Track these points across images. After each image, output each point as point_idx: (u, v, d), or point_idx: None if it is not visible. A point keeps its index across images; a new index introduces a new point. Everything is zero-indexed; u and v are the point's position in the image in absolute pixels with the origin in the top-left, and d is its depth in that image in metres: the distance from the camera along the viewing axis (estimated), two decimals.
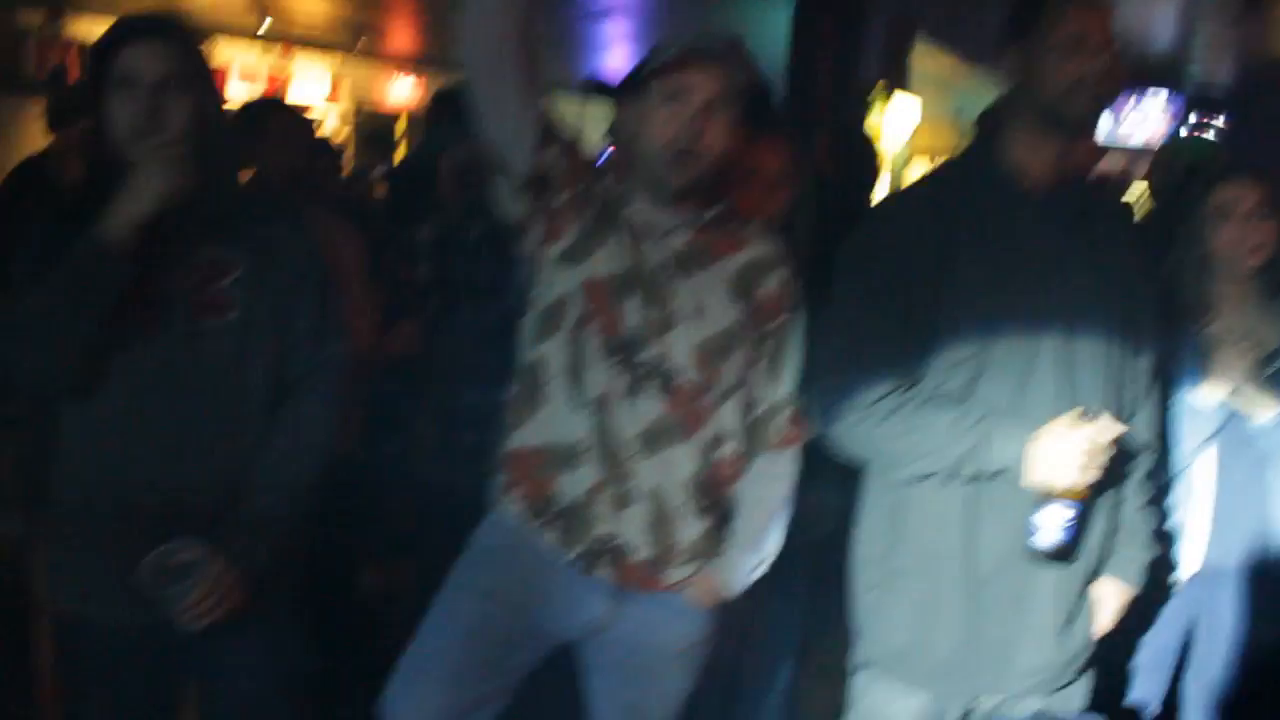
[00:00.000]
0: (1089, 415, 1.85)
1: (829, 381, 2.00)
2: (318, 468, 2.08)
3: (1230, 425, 2.54)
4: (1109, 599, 2.11)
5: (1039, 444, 1.86)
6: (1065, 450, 1.84)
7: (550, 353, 2.02)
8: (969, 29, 7.23)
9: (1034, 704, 2.07)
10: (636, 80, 1.99)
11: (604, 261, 2.00)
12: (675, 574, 2.08)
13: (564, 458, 2.02)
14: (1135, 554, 2.13)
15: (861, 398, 1.93)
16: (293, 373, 2.05)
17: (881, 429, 1.93)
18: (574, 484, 2.02)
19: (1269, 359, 2.56)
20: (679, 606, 2.09)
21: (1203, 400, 2.54)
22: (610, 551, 2.04)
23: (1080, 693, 2.14)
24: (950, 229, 1.95)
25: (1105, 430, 1.84)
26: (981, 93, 4.26)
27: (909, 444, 1.93)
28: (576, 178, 2.02)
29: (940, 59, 8.52)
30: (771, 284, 2.09)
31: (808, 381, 2.08)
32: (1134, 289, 2.04)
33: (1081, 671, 2.10)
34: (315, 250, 2.13)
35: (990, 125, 2.11)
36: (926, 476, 1.95)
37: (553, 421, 2.03)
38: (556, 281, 2.02)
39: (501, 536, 2.10)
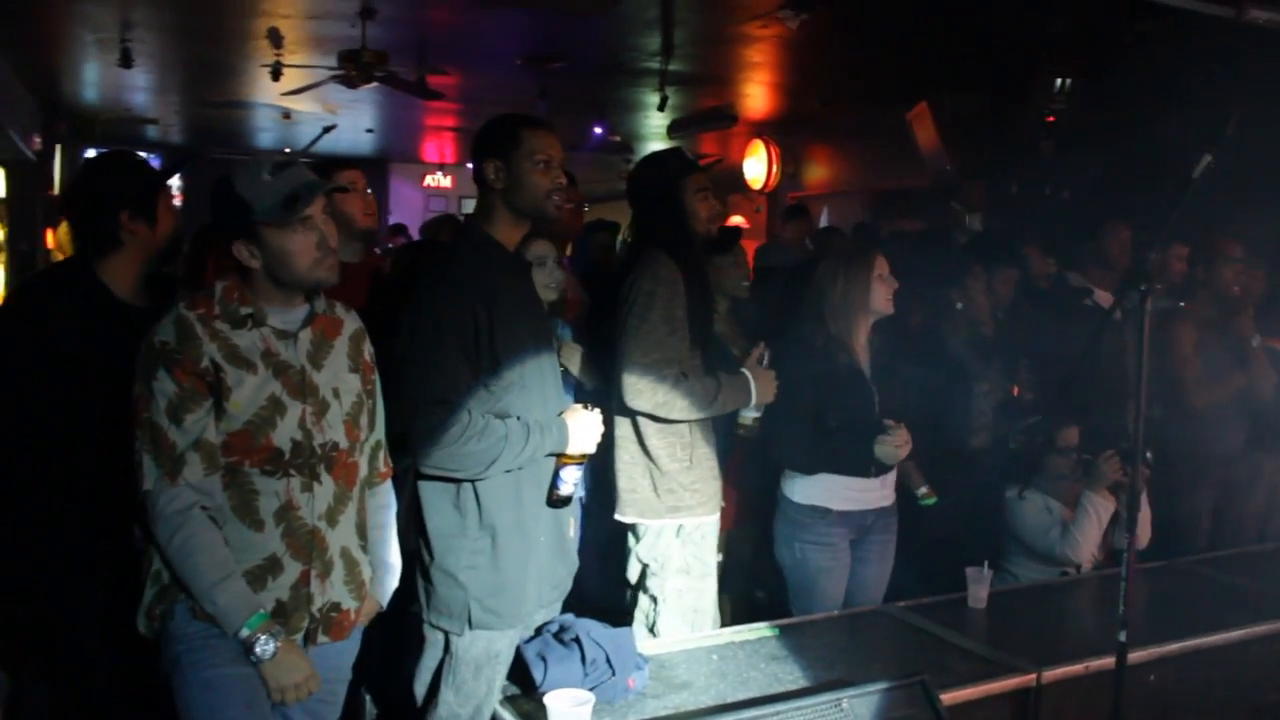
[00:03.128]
0: (589, 406, 2.88)
1: (426, 418, 2.63)
2: None
3: None
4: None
5: (574, 427, 2.81)
6: (588, 429, 2.84)
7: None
8: None
9: (554, 610, 2.99)
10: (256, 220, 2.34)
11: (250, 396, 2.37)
12: (360, 611, 2.57)
13: (265, 571, 2.38)
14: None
15: (453, 426, 2.63)
16: None
17: (468, 447, 2.64)
18: (280, 587, 2.39)
19: None
20: (355, 636, 2.61)
21: None
22: (325, 620, 2.45)
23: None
24: (487, 291, 2.71)
25: (599, 416, 2.88)
26: None
27: (493, 451, 2.67)
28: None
29: None
30: (367, 349, 2.61)
31: (409, 419, 2.67)
32: (546, 318, 3.14)
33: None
34: None
35: (480, 216, 2.89)
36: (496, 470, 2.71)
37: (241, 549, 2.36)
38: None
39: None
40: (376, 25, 7.40)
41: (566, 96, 9.45)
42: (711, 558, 3.62)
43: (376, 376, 2.67)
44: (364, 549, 2.59)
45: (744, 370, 3.53)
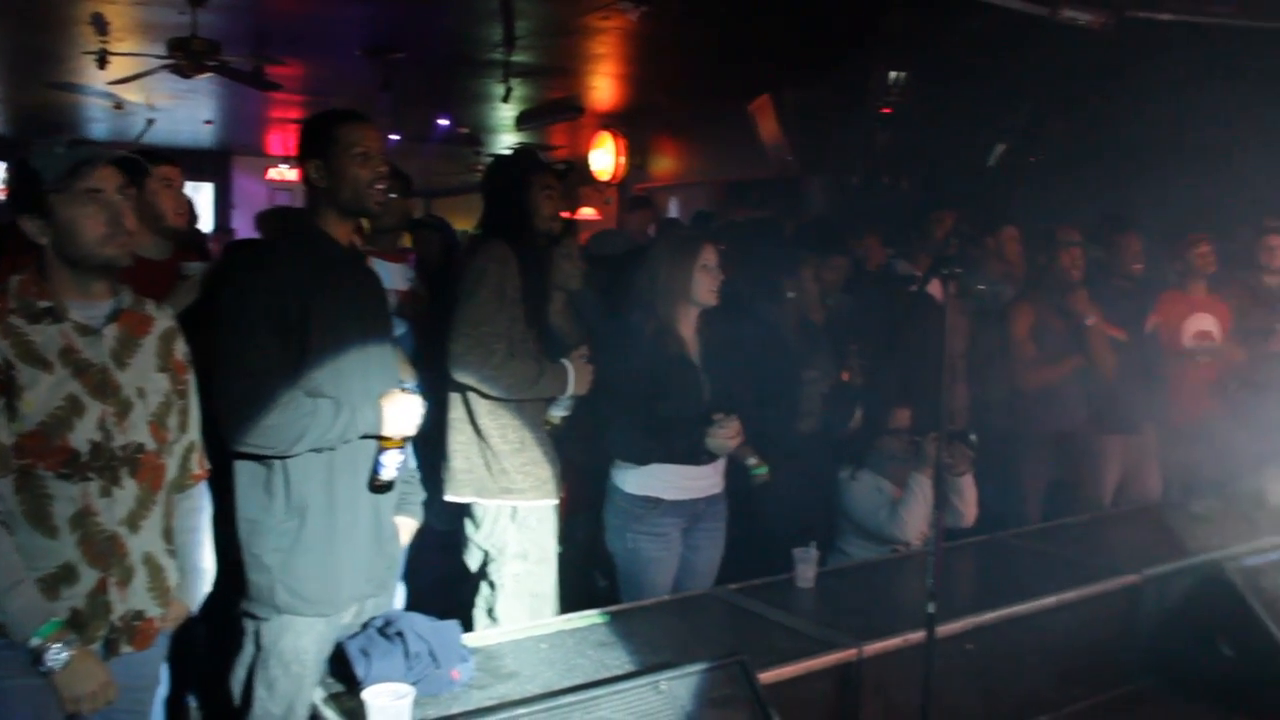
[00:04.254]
0: (407, 389, 2.83)
1: (233, 393, 2.62)
2: None
3: None
4: (405, 529, 3.12)
5: (389, 410, 2.76)
6: (405, 411, 2.79)
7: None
8: None
9: (376, 604, 2.93)
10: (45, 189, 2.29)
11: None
12: (166, 618, 2.52)
13: (59, 579, 2.31)
14: (417, 495, 3.20)
15: (258, 400, 2.59)
16: None
17: (271, 419, 2.60)
18: (76, 595, 2.33)
19: None
20: (161, 643, 2.56)
21: None
22: (128, 629, 2.40)
23: (399, 591, 3.33)
24: (302, 276, 2.70)
25: (418, 399, 2.82)
26: None
27: (298, 426, 2.63)
28: None
29: None
30: (179, 348, 2.58)
31: (218, 396, 2.65)
32: (382, 309, 3.03)
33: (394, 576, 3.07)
34: None
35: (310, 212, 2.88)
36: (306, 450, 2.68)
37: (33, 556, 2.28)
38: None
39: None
40: (210, 13, 7.19)
41: (411, 88, 9.34)
42: (550, 543, 3.67)
43: (191, 376, 2.61)
44: (171, 554, 2.53)
45: (564, 361, 3.62)
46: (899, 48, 7.28)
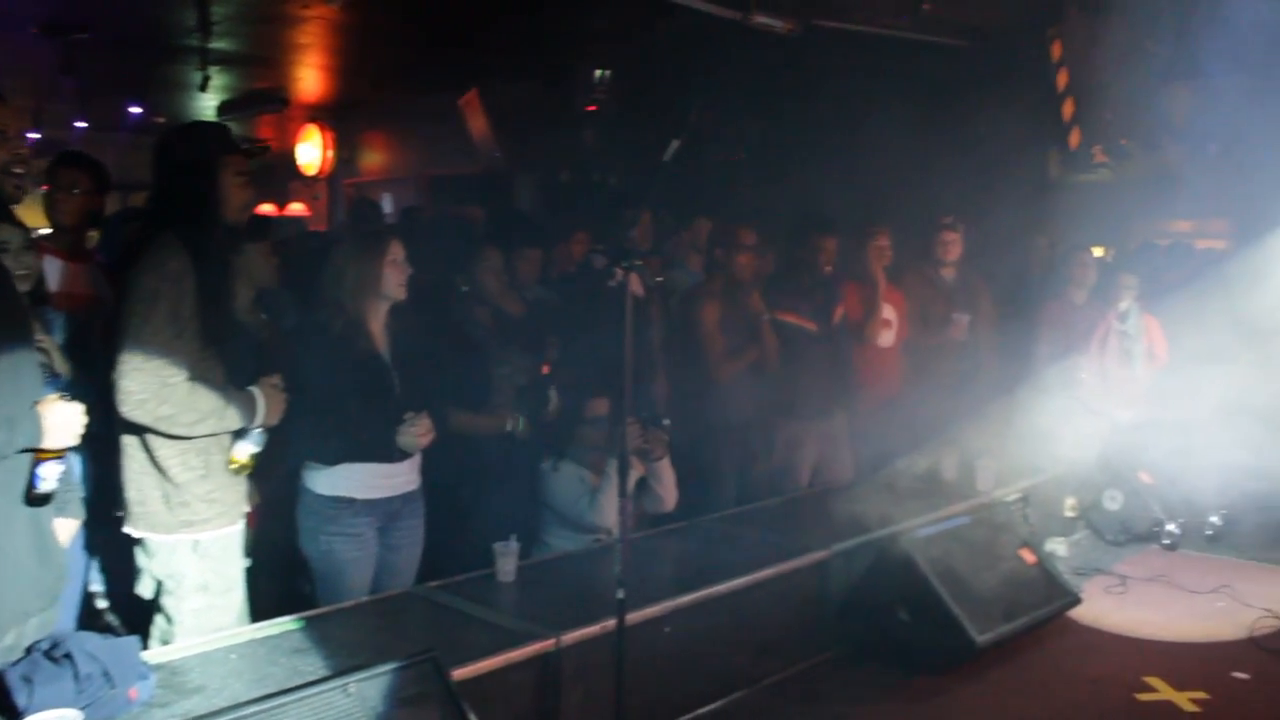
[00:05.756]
0: (64, 396, 2.61)
1: None
2: None
3: None
4: (63, 531, 2.88)
5: (50, 420, 2.53)
6: (67, 421, 2.56)
7: None
8: None
9: (42, 620, 2.69)
10: None
11: None
12: None
13: None
14: (75, 492, 3.01)
15: None
16: None
17: None
18: None
19: None
20: None
21: None
22: None
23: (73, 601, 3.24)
24: None
25: (80, 408, 2.59)
26: None
27: None
28: None
29: None
30: None
31: None
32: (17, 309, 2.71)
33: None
34: None
35: None
36: None
37: None
38: None
39: None
40: None
41: (99, 72, 8.70)
42: (235, 569, 3.35)
43: None
44: None
45: (251, 389, 3.25)
46: (603, 46, 7.41)
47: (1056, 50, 7.24)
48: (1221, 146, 6.94)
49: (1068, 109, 7.28)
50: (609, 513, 4.33)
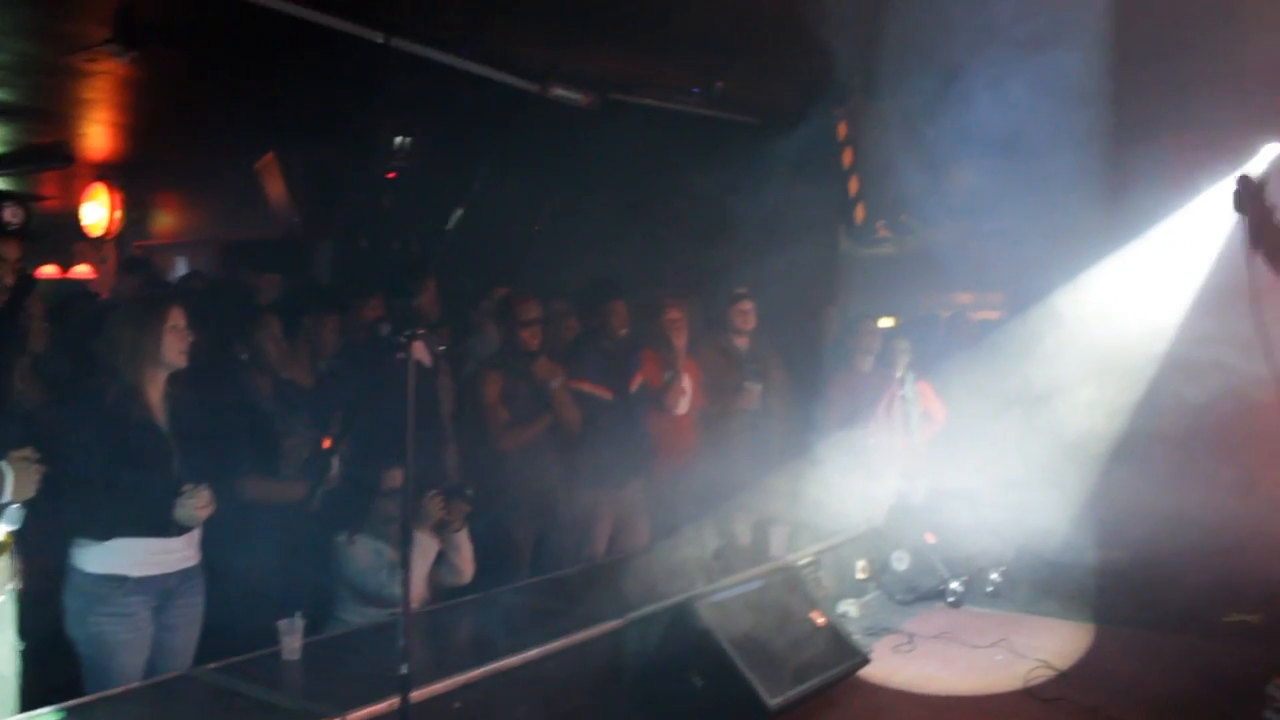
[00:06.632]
0: None
1: None
2: None
3: None
4: None
5: None
6: None
7: None
8: None
9: None
10: None
11: None
12: None
13: None
14: None
15: None
16: None
17: None
18: None
19: None
20: None
21: None
22: None
23: None
24: None
25: None
26: None
27: None
28: None
29: None
30: None
31: None
32: None
33: None
34: None
35: None
36: None
37: None
38: None
39: None
40: None
41: None
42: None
43: None
44: None
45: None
46: (405, 113, 7.39)
47: (842, 130, 7.61)
48: (995, 223, 7.38)
49: (853, 185, 7.64)
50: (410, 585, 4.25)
